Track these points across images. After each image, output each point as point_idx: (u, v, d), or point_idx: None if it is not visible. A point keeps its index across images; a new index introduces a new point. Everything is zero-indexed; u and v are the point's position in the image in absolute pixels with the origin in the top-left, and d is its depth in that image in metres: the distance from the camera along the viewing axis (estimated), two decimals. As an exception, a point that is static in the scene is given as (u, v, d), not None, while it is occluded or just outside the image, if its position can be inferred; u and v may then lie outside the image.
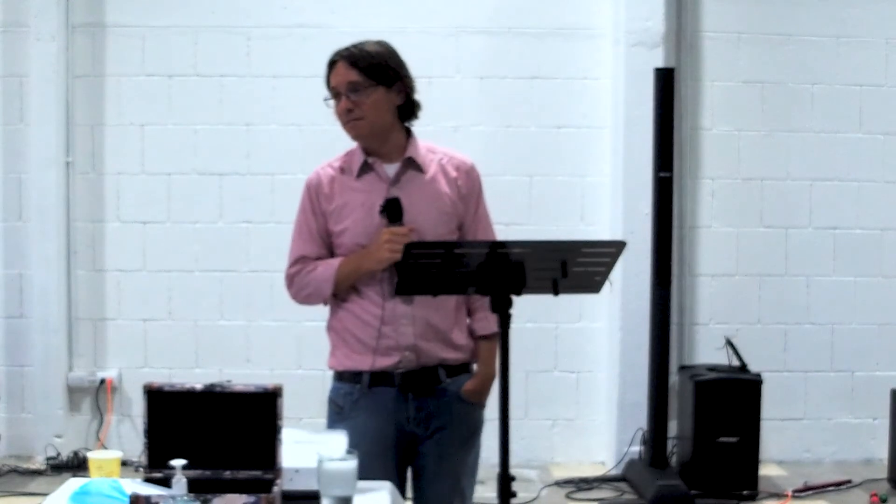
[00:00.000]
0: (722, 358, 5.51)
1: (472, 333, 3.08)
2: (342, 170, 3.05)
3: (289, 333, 5.76)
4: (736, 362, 5.44)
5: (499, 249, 2.56)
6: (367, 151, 3.02)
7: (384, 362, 2.95)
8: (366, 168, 3.01)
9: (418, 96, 3.09)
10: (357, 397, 3.00)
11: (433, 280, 2.55)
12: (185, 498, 2.32)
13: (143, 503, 2.31)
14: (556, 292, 2.68)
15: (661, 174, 5.28)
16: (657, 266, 5.30)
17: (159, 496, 2.35)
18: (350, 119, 2.99)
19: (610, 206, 5.72)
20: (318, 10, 5.72)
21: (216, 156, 5.75)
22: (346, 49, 3.02)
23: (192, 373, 5.62)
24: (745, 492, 5.23)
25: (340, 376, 3.05)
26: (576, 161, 5.76)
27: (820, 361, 5.85)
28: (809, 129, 5.81)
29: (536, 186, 5.75)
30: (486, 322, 3.06)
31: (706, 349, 5.74)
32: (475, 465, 3.12)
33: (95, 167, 5.76)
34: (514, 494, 2.59)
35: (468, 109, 5.63)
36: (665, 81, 5.28)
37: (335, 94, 3.02)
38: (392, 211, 2.91)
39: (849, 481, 5.44)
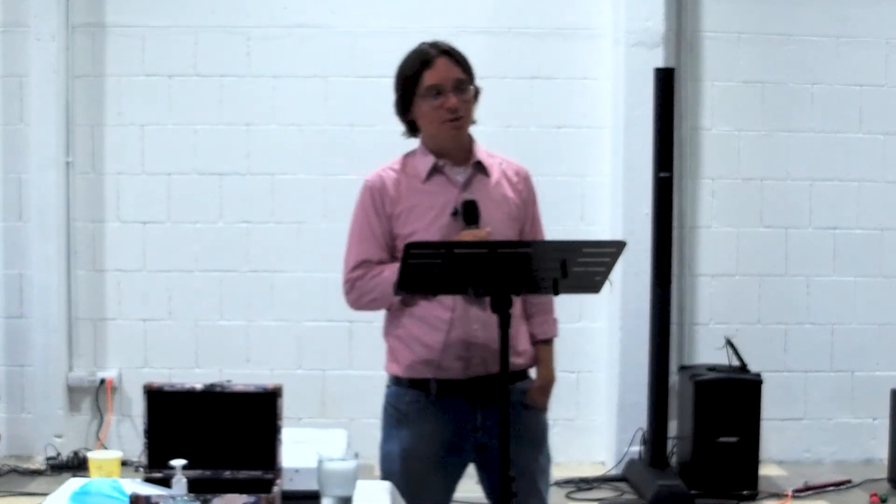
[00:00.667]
0: (722, 358, 5.51)
1: (531, 338, 3.03)
2: (406, 173, 2.97)
3: (289, 333, 5.76)
4: (736, 362, 5.44)
5: (499, 249, 2.57)
6: (436, 154, 2.96)
7: (453, 369, 2.88)
8: (434, 171, 2.95)
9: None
10: (424, 405, 2.93)
11: (433, 280, 2.55)
12: (185, 498, 2.32)
13: (143, 503, 2.31)
14: (556, 292, 2.68)
15: (661, 174, 5.28)
16: (657, 266, 5.30)
17: (159, 496, 2.35)
18: (455, 117, 2.90)
19: (610, 206, 5.72)
20: (318, 10, 5.72)
21: (216, 156, 5.75)
22: (438, 45, 2.93)
23: (192, 373, 5.62)
24: (745, 492, 5.23)
25: (403, 383, 2.97)
26: (576, 161, 5.76)
27: (820, 361, 5.85)
28: (809, 129, 5.81)
29: (536, 186, 5.73)
30: (547, 326, 3.04)
31: (706, 349, 5.74)
32: (548, 467, 3.08)
33: (95, 167, 5.76)
34: (514, 494, 2.59)
35: (468, 109, 5.63)
36: (665, 81, 5.28)
37: (437, 91, 2.89)
38: (469, 213, 2.85)
39: (849, 481, 5.44)
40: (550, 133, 5.77)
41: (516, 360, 2.93)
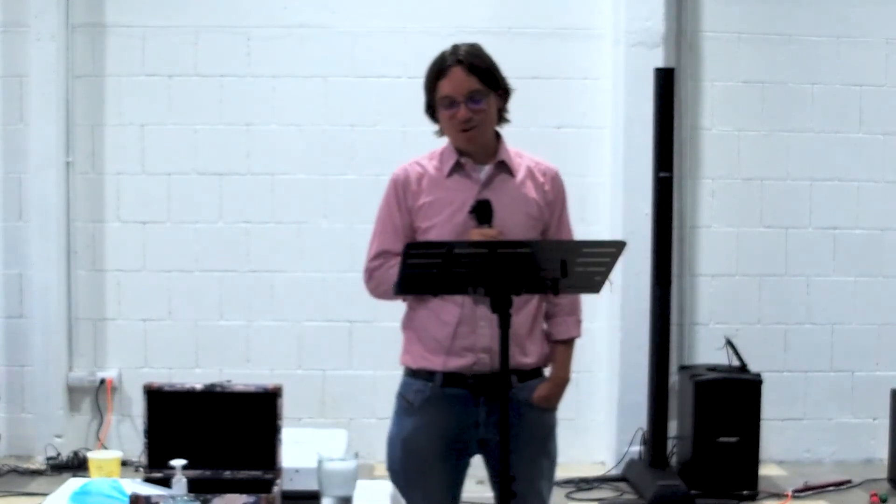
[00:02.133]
0: (722, 358, 5.51)
1: (548, 337, 3.05)
2: (432, 167, 3.01)
3: (289, 333, 5.76)
4: (736, 362, 5.45)
5: (499, 249, 2.57)
6: (460, 152, 2.99)
7: (458, 363, 2.91)
8: (457, 168, 2.99)
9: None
10: (429, 395, 2.96)
11: (433, 280, 2.55)
12: (185, 498, 2.32)
13: (143, 503, 2.31)
14: (556, 292, 2.68)
15: (661, 174, 5.28)
16: (657, 266, 5.30)
17: (159, 496, 2.35)
18: (468, 128, 2.94)
19: (610, 206, 5.72)
20: (318, 10, 5.72)
21: (216, 156, 5.75)
22: (457, 53, 2.96)
23: (192, 373, 5.62)
24: (745, 492, 5.23)
25: (413, 373, 3.01)
26: (576, 161, 5.75)
27: (820, 361, 5.85)
28: (809, 129, 5.81)
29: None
30: (566, 326, 3.04)
31: (706, 349, 5.74)
32: (552, 469, 3.09)
33: (95, 167, 5.76)
34: (514, 494, 2.59)
35: (468, 109, 5.62)
36: (665, 81, 5.28)
37: (449, 101, 2.93)
38: (482, 212, 2.87)
39: (849, 481, 5.44)
40: (550, 133, 5.77)
41: (524, 360, 2.96)
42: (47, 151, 5.63)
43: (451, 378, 2.92)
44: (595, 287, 2.66)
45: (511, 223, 2.90)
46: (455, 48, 2.98)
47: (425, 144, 6.10)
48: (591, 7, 5.73)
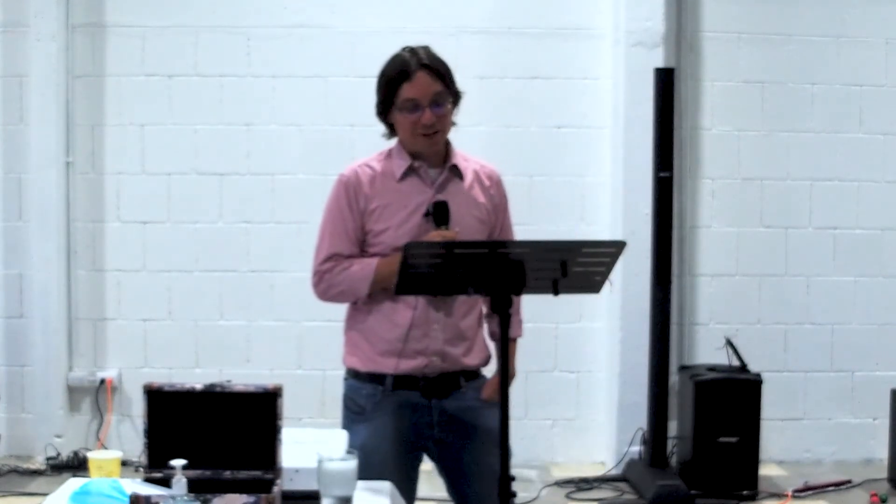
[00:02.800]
0: (722, 358, 5.51)
1: (492, 336, 3.05)
2: (383, 170, 3.02)
3: (289, 333, 5.76)
4: (736, 362, 5.45)
5: (499, 249, 2.57)
6: (413, 155, 3.00)
7: (410, 365, 2.94)
8: (410, 171, 3.00)
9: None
10: (380, 399, 2.99)
11: (433, 280, 2.55)
12: (185, 498, 2.32)
13: (143, 503, 2.31)
14: (556, 292, 2.68)
15: (661, 174, 5.29)
16: (657, 266, 5.30)
17: (159, 496, 2.35)
18: (431, 132, 2.95)
19: (610, 206, 5.72)
20: (318, 10, 5.72)
21: (216, 156, 5.75)
22: (418, 56, 2.96)
23: (192, 373, 5.62)
24: (745, 492, 5.23)
25: (361, 376, 3.04)
26: (576, 161, 5.76)
27: (820, 361, 5.85)
28: (809, 129, 5.81)
29: (536, 186, 5.75)
30: (512, 327, 3.06)
31: (706, 349, 5.74)
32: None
33: (95, 167, 5.76)
34: (514, 494, 2.59)
35: (468, 109, 5.57)
36: (665, 81, 5.28)
37: (413, 105, 2.94)
38: (440, 214, 2.90)
39: (849, 481, 5.44)
40: (550, 133, 5.77)
41: (470, 361, 3.02)
42: (47, 151, 5.63)
43: (402, 381, 2.96)
44: (595, 287, 2.66)
45: (464, 226, 2.94)
46: (413, 51, 2.98)
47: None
48: (591, 7, 5.73)
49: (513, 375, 3.06)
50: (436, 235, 2.87)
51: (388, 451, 2.94)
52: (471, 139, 5.75)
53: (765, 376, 5.36)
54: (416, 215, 2.94)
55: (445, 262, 2.52)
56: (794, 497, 5.25)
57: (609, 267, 2.61)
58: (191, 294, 5.78)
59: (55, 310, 5.67)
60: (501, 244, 2.70)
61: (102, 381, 5.76)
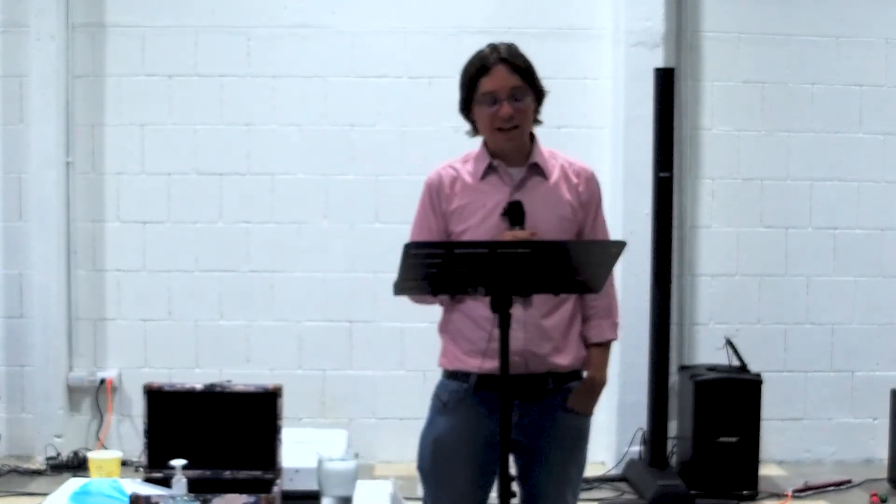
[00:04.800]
0: (722, 358, 5.51)
1: (584, 341, 3.03)
2: (465, 171, 3.00)
3: (289, 333, 5.76)
4: (736, 362, 5.44)
5: (499, 249, 2.57)
6: (493, 154, 2.99)
7: (492, 365, 2.85)
8: (490, 170, 2.98)
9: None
10: (462, 396, 2.96)
11: (433, 280, 2.55)
12: (185, 498, 2.32)
13: (143, 503, 2.31)
14: (556, 292, 2.67)
15: (661, 174, 5.28)
16: (657, 266, 5.30)
17: (159, 496, 2.35)
18: (508, 126, 2.93)
19: (610, 206, 5.70)
20: (318, 10, 5.72)
21: (216, 156, 5.75)
22: (498, 51, 2.95)
23: (192, 373, 5.62)
24: (745, 492, 5.23)
25: (450, 375, 3.01)
26: (576, 161, 5.75)
27: (820, 361, 5.85)
28: (809, 129, 5.81)
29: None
30: (601, 329, 3.03)
31: (706, 349, 5.74)
32: (579, 477, 3.09)
33: (95, 167, 5.76)
34: (514, 494, 2.59)
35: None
36: (665, 81, 5.28)
37: (492, 99, 2.92)
38: (514, 214, 2.86)
39: (849, 481, 5.44)
40: (550, 133, 5.68)
41: (560, 362, 2.96)
42: (47, 151, 5.63)
43: (485, 380, 2.91)
44: (595, 287, 2.66)
45: (544, 225, 2.89)
46: (494, 47, 2.97)
47: (425, 144, 6.13)
48: (591, 7, 5.73)
49: (602, 383, 3.06)
50: (509, 235, 2.82)
51: (462, 447, 2.93)
52: (471, 139, 5.77)
53: (765, 376, 5.36)
54: (493, 215, 2.90)
55: (445, 262, 2.51)
56: (794, 497, 5.25)
57: (609, 267, 2.61)
58: (191, 294, 5.78)
59: (55, 310, 5.67)
60: (501, 244, 2.69)
61: (102, 381, 5.75)
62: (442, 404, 2.99)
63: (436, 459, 2.96)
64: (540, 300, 2.85)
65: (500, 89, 2.91)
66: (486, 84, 2.91)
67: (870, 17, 5.78)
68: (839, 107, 5.80)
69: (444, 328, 3.04)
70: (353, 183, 5.75)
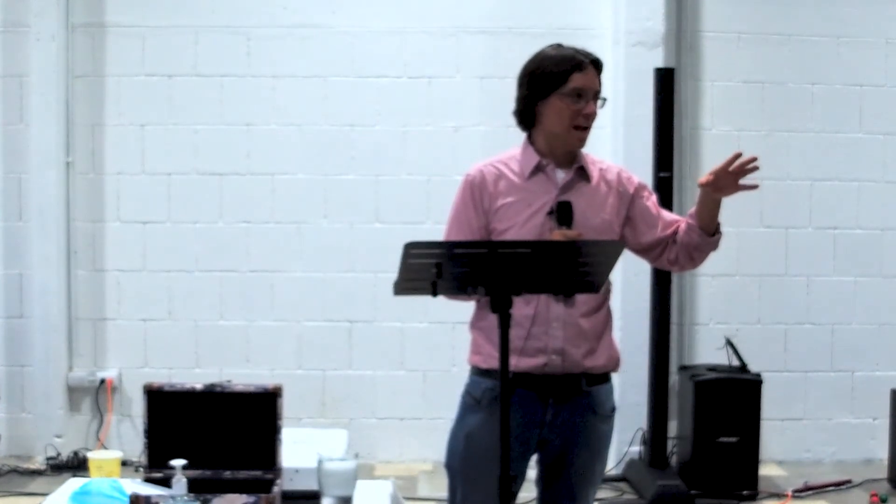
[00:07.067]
0: (722, 358, 5.51)
1: (685, 244, 3.07)
2: (509, 169, 3.00)
3: (289, 333, 5.76)
4: (736, 362, 5.44)
5: (499, 249, 2.57)
6: (542, 153, 3.00)
7: (529, 363, 2.89)
8: (537, 170, 2.99)
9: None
10: (497, 394, 2.96)
11: (433, 280, 2.55)
12: (185, 498, 2.32)
13: (143, 503, 2.31)
14: (555, 292, 2.67)
15: (661, 174, 5.28)
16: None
17: (159, 496, 2.35)
18: (586, 124, 3.00)
19: (610, 206, 5.71)
20: (318, 10, 5.72)
21: (216, 156, 5.75)
22: (588, 53, 3.05)
23: (192, 373, 5.62)
24: (745, 492, 5.23)
25: (483, 372, 2.99)
26: (576, 161, 5.75)
27: (820, 361, 5.85)
28: (809, 129, 5.81)
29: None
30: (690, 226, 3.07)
31: (706, 349, 5.74)
32: (600, 476, 3.09)
33: (95, 167, 5.76)
34: (513, 495, 2.59)
35: (468, 109, 5.62)
36: (665, 81, 5.28)
37: (580, 95, 2.99)
38: (563, 214, 2.88)
39: (849, 481, 5.45)
40: (550, 133, 5.75)
41: (594, 363, 2.95)
42: (47, 151, 5.63)
43: (521, 378, 2.90)
44: (595, 287, 2.66)
45: (589, 227, 2.91)
46: (574, 48, 3.06)
47: (425, 144, 6.12)
48: (591, 7, 5.73)
49: (714, 219, 3.11)
50: (558, 235, 2.84)
51: (493, 444, 2.93)
52: (471, 139, 5.77)
53: (765, 376, 5.36)
54: (539, 214, 2.91)
55: (445, 262, 2.51)
56: (794, 497, 5.25)
57: (609, 267, 2.61)
58: (191, 294, 5.78)
59: (55, 310, 5.67)
60: (501, 244, 2.69)
61: (102, 381, 5.76)
62: (475, 402, 2.98)
63: (468, 457, 2.95)
64: (581, 299, 2.86)
65: (590, 88, 3.00)
66: (579, 80, 2.98)
67: (870, 17, 5.78)
68: (839, 107, 5.80)
69: (477, 325, 3.01)
70: (352, 183, 5.75)
